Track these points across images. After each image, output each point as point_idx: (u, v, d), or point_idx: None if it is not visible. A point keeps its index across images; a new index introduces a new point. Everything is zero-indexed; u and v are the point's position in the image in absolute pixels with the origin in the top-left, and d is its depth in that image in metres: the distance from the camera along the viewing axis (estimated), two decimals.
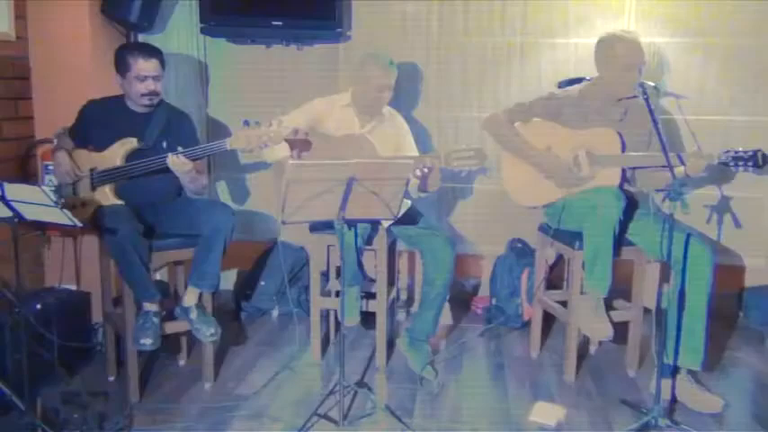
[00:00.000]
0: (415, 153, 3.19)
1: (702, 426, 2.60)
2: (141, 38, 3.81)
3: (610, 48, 2.85)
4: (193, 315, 2.78)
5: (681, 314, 2.67)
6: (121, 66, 2.80)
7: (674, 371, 2.70)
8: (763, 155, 2.65)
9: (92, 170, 2.79)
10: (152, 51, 2.82)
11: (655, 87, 2.46)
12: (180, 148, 2.71)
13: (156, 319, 2.70)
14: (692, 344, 2.71)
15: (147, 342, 2.66)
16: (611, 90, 2.85)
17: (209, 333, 2.78)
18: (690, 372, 2.74)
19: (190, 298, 2.80)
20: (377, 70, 3.01)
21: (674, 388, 2.69)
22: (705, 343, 2.72)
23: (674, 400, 2.68)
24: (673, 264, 2.70)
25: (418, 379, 2.98)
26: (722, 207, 3.63)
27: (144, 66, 2.76)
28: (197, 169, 2.80)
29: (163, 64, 2.85)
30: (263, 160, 3.05)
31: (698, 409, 2.67)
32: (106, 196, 2.74)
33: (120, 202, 2.74)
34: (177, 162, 2.68)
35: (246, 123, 2.66)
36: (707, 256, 2.69)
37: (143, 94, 2.79)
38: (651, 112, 2.45)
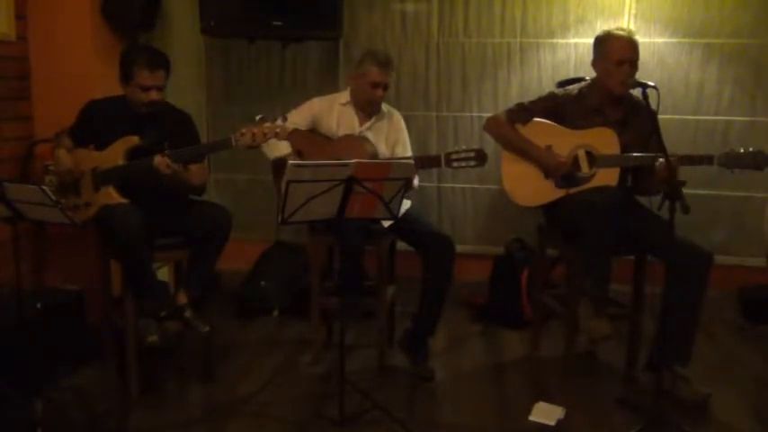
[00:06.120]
0: (409, 152, 3.20)
1: (703, 426, 2.61)
2: (142, 38, 3.82)
3: (602, 44, 2.87)
4: (188, 314, 2.79)
5: (677, 314, 2.67)
6: (125, 73, 2.75)
7: (665, 367, 2.70)
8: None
9: (93, 170, 2.78)
10: (159, 62, 2.75)
11: (654, 87, 2.45)
12: (168, 150, 2.65)
13: (159, 317, 2.72)
14: (684, 342, 2.73)
15: (154, 339, 2.68)
16: (606, 87, 2.86)
17: (205, 329, 2.81)
18: (678, 368, 2.75)
19: (183, 297, 2.81)
20: (373, 66, 3.02)
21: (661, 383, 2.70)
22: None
23: (666, 395, 2.67)
24: (671, 263, 2.71)
25: (418, 379, 2.98)
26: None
27: (149, 78, 2.71)
28: (193, 170, 2.80)
29: (168, 72, 2.79)
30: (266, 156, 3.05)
31: (686, 398, 2.70)
32: (110, 196, 2.72)
33: (125, 200, 2.70)
34: (162, 163, 2.63)
35: (252, 119, 2.64)
36: (705, 257, 2.70)
37: (144, 103, 2.76)
38: (650, 111, 2.45)
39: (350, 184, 2.29)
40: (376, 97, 3.07)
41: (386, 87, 3.08)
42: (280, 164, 2.97)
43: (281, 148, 2.97)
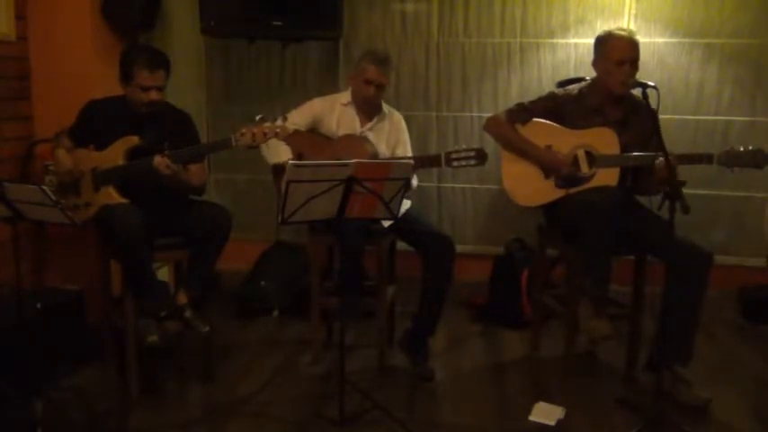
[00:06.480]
0: (409, 152, 3.20)
1: (703, 426, 2.61)
2: (142, 38, 3.82)
3: (603, 44, 2.87)
4: (188, 314, 2.79)
5: (678, 314, 2.68)
6: (125, 73, 2.75)
7: (666, 367, 2.70)
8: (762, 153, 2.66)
9: (93, 170, 2.78)
10: (159, 62, 2.75)
11: (654, 87, 2.45)
12: (167, 150, 2.65)
13: (159, 317, 2.72)
14: (684, 342, 2.73)
15: (154, 339, 2.69)
16: (607, 87, 2.86)
17: (205, 329, 2.81)
18: (678, 368, 2.75)
19: (183, 297, 2.81)
20: (370, 64, 3.03)
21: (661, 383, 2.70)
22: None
23: (666, 395, 2.67)
24: (671, 263, 2.71)
25: (418, 379, 2.98)
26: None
27: (149, 78, 2.71)
28: (193, 171, 2.80)
29: (168, 72, 2.79)
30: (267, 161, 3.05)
31: (686, 402, 2.70)
32: (110, 196, 2.72)
33: (125, 200, 2.70)
34: (162, 163, 2.64)
35: (252, 119, 2.64)
36: (705, 257, 2.70)
37: (144, 103, 2.76)
38: (650, 111, 2.45)
39: (350, 184, 2.29)
40: (369, 94, 3.06)
41: (381, 86, 3.07)
42: (280, 168, 2.97)
43: (281, 154, 2.97)
